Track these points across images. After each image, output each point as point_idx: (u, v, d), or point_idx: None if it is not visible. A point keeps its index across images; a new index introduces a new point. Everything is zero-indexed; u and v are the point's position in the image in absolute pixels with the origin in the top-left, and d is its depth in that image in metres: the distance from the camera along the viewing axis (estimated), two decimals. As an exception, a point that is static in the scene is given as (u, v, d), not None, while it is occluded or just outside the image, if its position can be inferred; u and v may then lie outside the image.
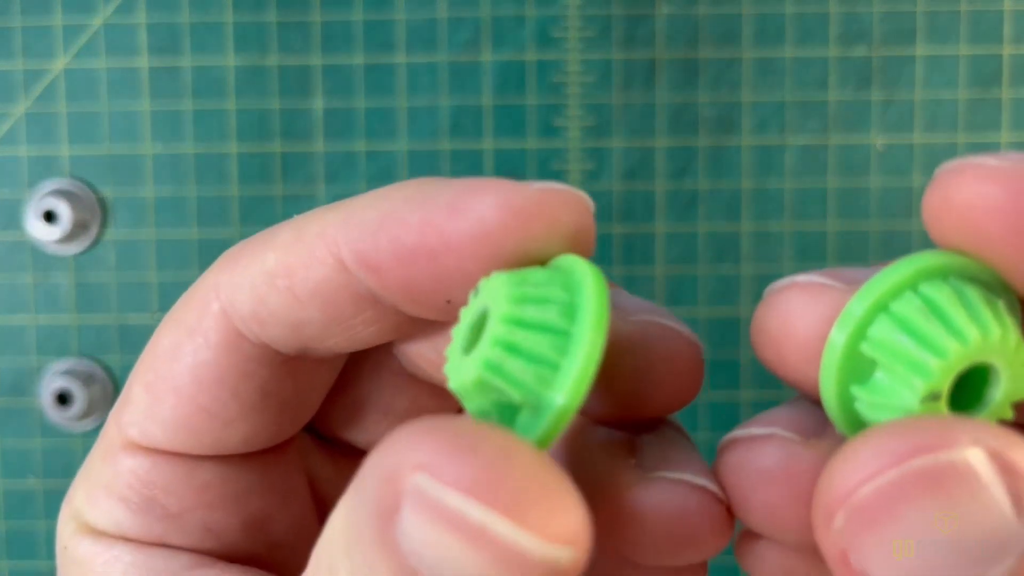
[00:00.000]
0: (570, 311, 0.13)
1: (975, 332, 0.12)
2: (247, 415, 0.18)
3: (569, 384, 0.12)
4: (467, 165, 0.41)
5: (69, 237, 0.41)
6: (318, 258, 0.16)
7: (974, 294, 0.13)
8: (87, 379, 0.41)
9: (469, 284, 0.15)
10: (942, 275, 0.13)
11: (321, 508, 0.20)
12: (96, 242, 0.42)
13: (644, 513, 0.14)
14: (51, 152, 0.42)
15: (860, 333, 0.13)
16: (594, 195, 0.40)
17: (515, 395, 0.13)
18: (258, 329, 0.17)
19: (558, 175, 0.41)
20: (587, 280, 0.13)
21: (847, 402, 0.14)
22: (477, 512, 0.11)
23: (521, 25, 0.41)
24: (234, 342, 0.17)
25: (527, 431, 0.13)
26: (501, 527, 0.11)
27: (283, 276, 0.16)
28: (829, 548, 0.13)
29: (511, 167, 0.41)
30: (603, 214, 0.41)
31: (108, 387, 0.42)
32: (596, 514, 0.13)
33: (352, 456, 0.21)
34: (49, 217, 0.41)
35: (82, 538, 0.18)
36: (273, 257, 0.17)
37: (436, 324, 0.17)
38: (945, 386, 0.13)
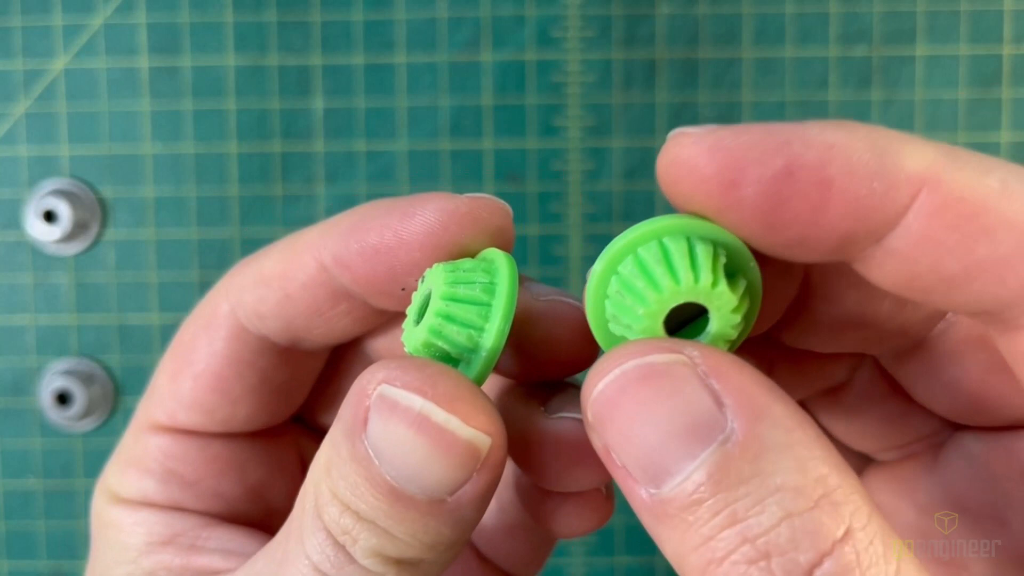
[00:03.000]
0: (490, 289, 0.18)
1: (682, 280, 0.16)
2: (249, 396, 0.22)
3: (493, 336, 0.17)
4: (467, 165, 0.41)
5: (69, 237, 0.41)
6: (304, 263, 0.21)
7: (703, 250, 0.16)
8: (87, 379, 0.41)
9: (418, 274, 0.19)
10: (684, 232, 0.17)
11: None
12: (96, 242, 0.42)
13: (547, 441, 0.19)
14: (51, 152, 0.42)
15: (612, 269, 0.17)
16: (594, 195, 0.41)
17: (452, 351, 0.18)
18: (258, 323, 0.21)
19: (558, 175, 0.41)
20: (503, 266, 0.18)
21: (602, 324, 0.18)
22: (420, 402, 0.16)
23: (521, 25, 0.41)
24: (240, 335, 0.22)
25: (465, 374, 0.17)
26: (437, 413, 0.16)
27: (278, 278, 0.21)
28: (598, 448, 0.16)
29: (511, 167, 0.41)
30: (603, 214, 0.41)
31: (108, 387, 0.42)
32: (515, 446, 0.18)
33: None
34: (49, 217, 0.41)
35: (113, 507, 0.22)
36: (270, 265, 0.21)
37: (396, 320, 0.22)
38: (660, 316, 0.16)
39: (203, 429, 0.22)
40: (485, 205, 0.19)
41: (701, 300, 0.16)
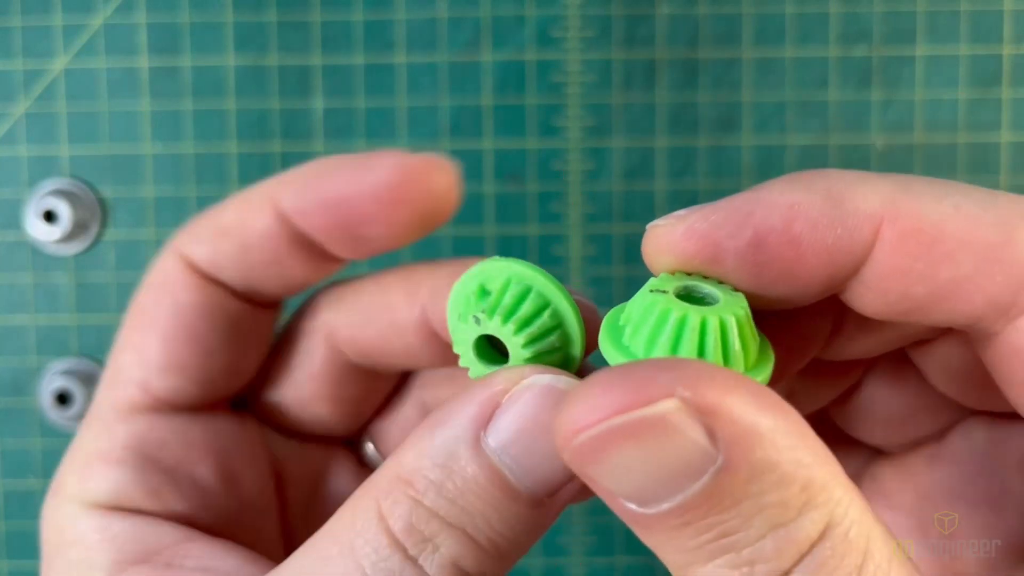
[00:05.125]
0: (555, 314, 0.19)
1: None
2: (223, 347, 0.22)
3: (578, 349, 0.19)
4: (467, 165, 0.41)
5: (69, 237, 0.41)
6: (262, 213, 0.22)
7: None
8: (87, 379, 0.41)
9: (373, 223, 0.21)
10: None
11: (275, 476, 0.25)
12: (96, 242, 0.42)
13: None
14: (51, 152, 0.42)
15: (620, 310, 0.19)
16: (594, 195, 0.41)
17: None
18: (215, 271, 0.22)
19: (558, 175, 0.41)
20: (551, 289, 0.19)
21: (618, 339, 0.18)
22: (566, 384, 0.17)
23: (521, 25, 0.41)
24: (201, 286, 0.22)
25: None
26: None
27: (236, 228, 0.22)
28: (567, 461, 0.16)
29: (511, 167, 0.41)
30: (603, 214, 0.41)
31: (108, 387, 0.42)
32: None
33: (292, 437, 0.26)
34: (49, 217, 0.41)
35: (79, 517, 0.20)
36: (228, 216, 0.22)
37: (360, 300, 0.23)
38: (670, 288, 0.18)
39: (181, 394, 0.22)
40: (434, 162, 0.21)
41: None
